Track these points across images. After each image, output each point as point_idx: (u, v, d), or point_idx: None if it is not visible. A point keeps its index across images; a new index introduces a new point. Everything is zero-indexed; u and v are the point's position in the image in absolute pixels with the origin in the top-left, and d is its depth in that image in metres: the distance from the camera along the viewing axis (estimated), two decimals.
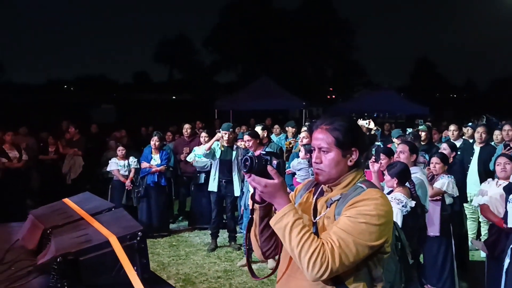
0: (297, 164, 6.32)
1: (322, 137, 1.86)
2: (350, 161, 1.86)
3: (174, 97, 47.09)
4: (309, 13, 38.32)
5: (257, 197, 1.86)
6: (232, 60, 41.49)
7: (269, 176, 1.76)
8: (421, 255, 4.95)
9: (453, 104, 40.50)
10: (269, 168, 1.76)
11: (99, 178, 9.33)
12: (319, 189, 1.97)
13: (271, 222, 1.77)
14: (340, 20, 40.52)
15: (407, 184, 3.99)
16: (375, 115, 23.32)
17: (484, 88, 60.29)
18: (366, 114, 22.57)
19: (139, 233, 1.95)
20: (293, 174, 6.37)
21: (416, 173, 4.49)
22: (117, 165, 7.77)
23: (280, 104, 17.87)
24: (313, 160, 1.89)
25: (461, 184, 5.57)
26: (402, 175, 3.97)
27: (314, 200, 1.93)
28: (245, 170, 1.78)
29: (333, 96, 40.75)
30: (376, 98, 20.08)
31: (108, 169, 7.91)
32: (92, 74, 62.85)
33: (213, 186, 6.75)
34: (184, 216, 8.64)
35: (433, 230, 5.01)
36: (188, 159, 7.65)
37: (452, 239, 5.12)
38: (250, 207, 1.93)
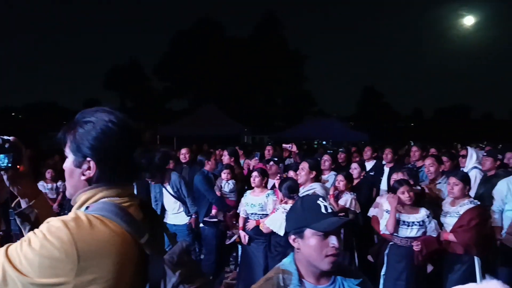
0: None
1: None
2: (84, 174, 1.39)
3: None
4: (260, 42, 39.20)
5: None
6: (183, 87, 41.70)
7: None
8: None
9: (401, 132, 42.21)
10: None
11: None
12: None
13: None
14: (290, 50, 41.59)
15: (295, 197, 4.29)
16: (323, 143, 24.05)
17: (430, 116, 63.12)
18: (316, 141, 23.29)
19: None
20: None
21: (315, 188, 4.81)
22: (44, 188, 7.75)
23: (221, 130, 18.21)
24: None
25: (366, 201, 5.94)
26: (288, 190, 4.28)
27: None
28: None
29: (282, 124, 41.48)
30: (320, 126, 20.73)
31: None
32: (41, 102, 61.62)
33: None
34: None
35: None
36: None
37: (355, 253, 5.45)
38: None
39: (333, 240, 1.79)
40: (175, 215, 6.14)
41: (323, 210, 1.84)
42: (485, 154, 6.20)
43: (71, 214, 1.30)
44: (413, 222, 4.30)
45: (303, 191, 4.64)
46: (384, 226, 4.39)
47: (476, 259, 4.20)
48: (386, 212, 4.38)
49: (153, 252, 1.34)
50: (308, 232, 1.82)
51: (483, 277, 3.99)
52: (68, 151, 1.42)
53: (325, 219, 1.80)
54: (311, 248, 1.80)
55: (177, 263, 1.32)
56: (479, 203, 4.41)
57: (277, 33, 40.75)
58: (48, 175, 7.87)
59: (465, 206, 4.31)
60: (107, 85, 46.50)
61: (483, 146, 14.66)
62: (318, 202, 1.87)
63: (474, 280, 3.67)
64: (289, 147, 7.65)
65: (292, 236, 1.88)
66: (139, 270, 1.33)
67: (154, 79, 44.18)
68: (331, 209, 1.87)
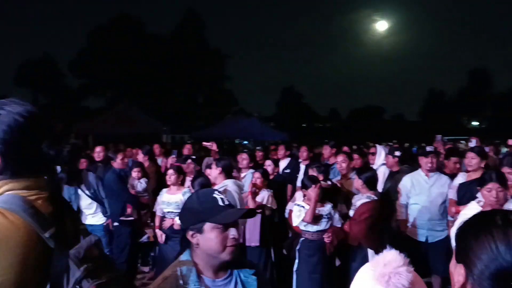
0: None
1: None
2: None
3: None
4: (181, 40, 38.81)
5: None
6: (101, 85, 40.23)
7: None
8: None
9: (319, 131, 43.73)
10: None
11: None
12: None
13: None
14: (211, 49, 41.51)
15: None
16: (244, 142, 24.29)
17: (345, 116, 65.88)
18: (237, 140, 23.45)
19: None
20: None
21: (227, 185, 4.85)
22: None
23: (140, 129, 17.82)
24: None
25: (282, 197, 6.10)
26: (201, 186, 4.38)
27: None
28: None
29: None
30: (241, 125, 20.88)
31: None
32: None
33: None
34: None
35: (254, 240, 5.41)
36: None
37: (271, 249, 5.57)
38: None
39: (232, 232, 1.80)
40: (92, 215, 6.03)
41: (220, 202, 1.83)
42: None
43: None
44: (322, 216, 4.49)
45: (216, 188, 4.67)
46: (300, 218, 4.50)
47: (369, 251, 4.42)
48: (297, 205, 4.56)
49: (58, 246, 1.31)
50: (207, 226, 1.79)
51: None
52: None
53: (223, 212, 1.80)
54: (212, 241, 1.79)
55: (84, 258, 1.31)
56: (375, 198, 4.58)
57: (198, 32, 40.53)
58: None
59: (361, 200, 4.55)
60: (18, 80, 43.69)
61: (392, 144, 15.54)
62: (215, 195, 1.86)
63: None
64: (210, 145, 7.65)
65: (190, 232, 1.84)
66: (42, 264, 1.30)
67: (69, 75, 42.22)
68: (228, 201, 1.86)
